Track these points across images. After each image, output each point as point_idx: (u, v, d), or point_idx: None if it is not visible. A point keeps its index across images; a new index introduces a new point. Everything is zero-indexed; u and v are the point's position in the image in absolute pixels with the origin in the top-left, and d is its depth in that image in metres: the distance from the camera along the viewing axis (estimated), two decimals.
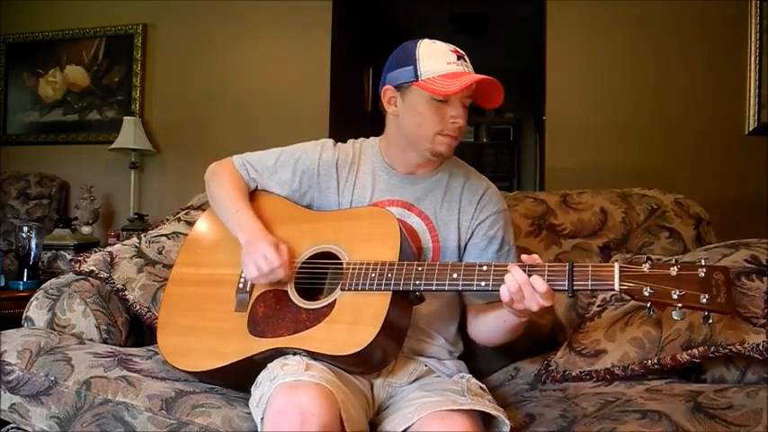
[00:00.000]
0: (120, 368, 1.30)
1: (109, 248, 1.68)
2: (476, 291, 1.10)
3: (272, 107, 3.31)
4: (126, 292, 1.57)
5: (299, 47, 3.30)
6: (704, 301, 0.93)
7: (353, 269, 1.16)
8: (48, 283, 1.58)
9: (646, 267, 0.98)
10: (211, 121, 3.39)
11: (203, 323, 1.29)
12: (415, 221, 1.29)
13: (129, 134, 3.28)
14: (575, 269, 1.01)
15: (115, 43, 3.55)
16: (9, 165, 3.60)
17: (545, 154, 3.00)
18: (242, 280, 1.28)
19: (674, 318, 0.95)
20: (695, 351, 1.18)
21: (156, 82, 3.52)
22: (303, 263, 1.25)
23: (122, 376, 1.26)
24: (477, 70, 1.21)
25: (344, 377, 1.15)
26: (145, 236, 1.74)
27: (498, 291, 1.05)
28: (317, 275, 1.25)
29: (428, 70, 1.18)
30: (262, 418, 1.03)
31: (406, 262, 1.13)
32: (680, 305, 0.95)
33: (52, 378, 1.27)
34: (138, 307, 1.56)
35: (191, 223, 1.70)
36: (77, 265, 1.59)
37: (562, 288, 1.02)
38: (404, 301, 1.15)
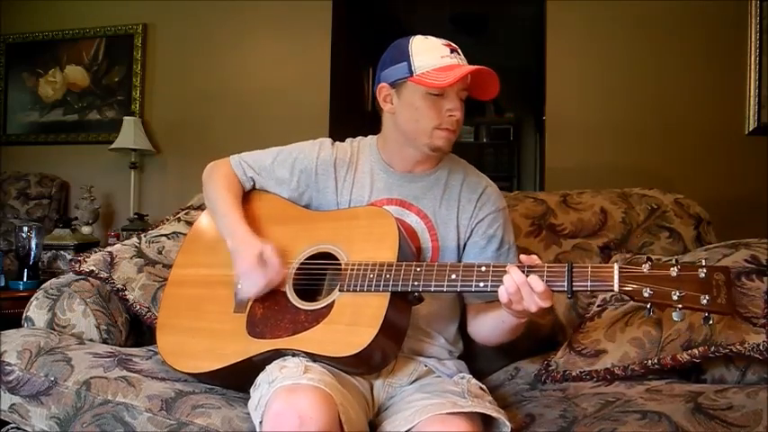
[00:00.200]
0: (120, 368, 1.30)
1: (109, 248, 1.68)
2: (474, 292, 1.10)
3: (272, 107, 3.31)
4: (126, 292, 1.57)
5: (299, 47, 3.31)
6: (704, 302, 0.92)
7: (352, 270, 1.16)
8: (48, 283, 1.58)
9: (645, 268, 0.97)
10: (211, 121, 3.39)
11: (202, 324, 1.29)
12: (413, 220, 1.29)
13: (129, 134, 3.28)
14: (574, 270, 1.01)
15: (115, 43, 3.55)
16: (9, 165, 3.60)
17: (545, 154, 3.00)
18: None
19: (675, 319, 0.95)
20: (695, 351, 1.18)
21: (156, 82, 3.52)
22: (301, 263, 1.25)
23: (122, 376, 1.26)
24: None
25: (344, 378, 1.14)
26: (145, 236, 1.74)
27: (497, 292, 1.04)
28: (315, 276, 1.24)
29: (422, 65, 1.18)
30: (260, 422, 1.03)
31: (404, 263, 1.13)
32: (680, 306, 0.94)
33: (52, 378, 1.27)
34: (138, 307, 1.56)
35: (191, 223, 1.70)
36: (77, 265, 1.59)
37: (561, 289, 1.01)
38: (403, 301, 1.14)
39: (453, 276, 1.09)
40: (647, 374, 1.24)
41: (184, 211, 1.86)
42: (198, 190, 1.81)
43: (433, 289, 1.10)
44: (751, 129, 2.60)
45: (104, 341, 1.51)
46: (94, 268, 1.58)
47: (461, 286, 1.09)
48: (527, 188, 5.63)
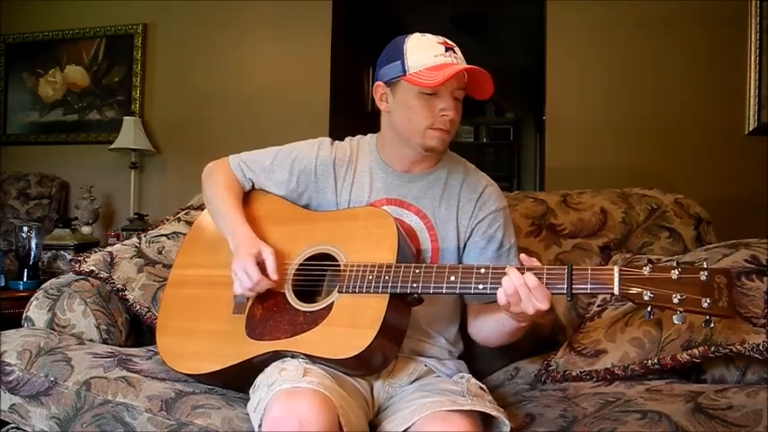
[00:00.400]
0: (119, 368, 1.30)
1: (109, 248, 1.67)
2: (473, 294, 1.09)
3: (272, 107, 3.31)
4: (126, 292, 1.57)
5: (299, 47, 3.31)
6: (705, 305, 0.91)
7: (351, 271, 1.15)
8: (48, 283, 1.58)
9: (646, 270, 0.96)
10: (211, 121, 3.39)
11: (201, 325, 1.28)
12: (413, 220, 1.28)
13: (129, 134, 3.28)
14: (573, 272, 1.00)
15: (115, 43, 3.55)
16: (9, 165, 3.60)
17: (545, 154, 3.00)
18: None
19: (675, 321, 0.94)
20: (695, 351, 1.18)
21: (156, 82, 3.52)
22: (300, 264, 1.24)
23: (122, 377, 1.26)
24: None
25: (343, 380, 1.14)
26: (145, 236, 1.74)
27: (496, 294, 1.04)
28: (314, 277, 1.24)
29: (415, 64, 1.17)
30: (260, 425, 1.02)
31: (403, 264, 1.12)
32: (681, 309, 0.93)
33: (52, 378, 1.27)
34: (138, 307, 1.56)
35: (190, 223, 1.70)
36: (77, 265, 1.59)
37: (561, 292, 1.00)
38: (402, 302, 1.14)
39: (452, 278, 1.08)
40: (647, 374, 1.24)
41: (184, 211, 1.86)
42: (198, 190, 1.81)
43: (431, 291, 1.10)
44: (751, 129, 2.60)
45: (104, 341, 1.50)
46: (94, 268, 1.58)
47: (460, 288, 1.08)
48: (527, 188, 5.63)
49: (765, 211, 2.45)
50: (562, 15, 2.89)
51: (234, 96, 3.37)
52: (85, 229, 3.21)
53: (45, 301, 1.52)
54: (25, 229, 2.47)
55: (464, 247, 1.30)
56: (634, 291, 0.96)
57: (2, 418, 1.31)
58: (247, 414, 1.14)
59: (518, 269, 1.03)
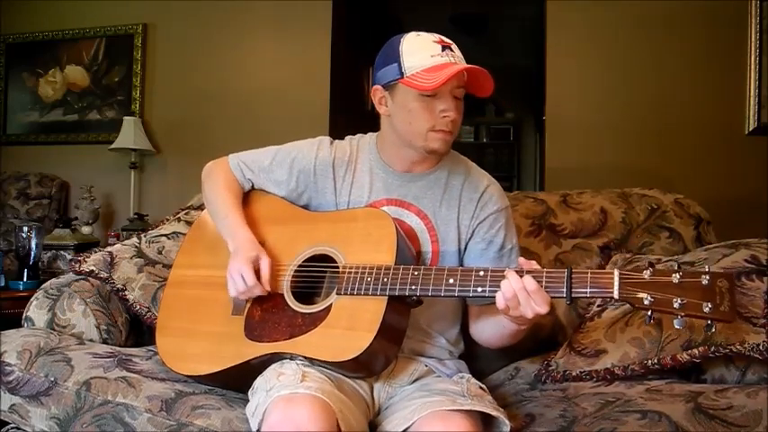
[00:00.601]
0: (119, 369, 1.30)
1: (109, 248, 1.68)
2: (472, 297, 1.08)
3: (272, 107, 3.31)
4: (126, 292, 1.57)
5: (299, 47, 3.31)
6: (707, 310, 0.90)
7: (349, 273, 1.14)
8: (48, 283, 1.58)
9: (647, 274, 0.95)
10: (211, 121, 3.39)
11: (201, 326, 1.28)
12: (413, 221, 1.27)
13: (129, 134, 3.28)
14: (573, 275, 0.99)
15: (115, 43, 3.55)
16: (9, 165, 3.60)
17: (545, 154, 3.00)
18: None
19: (676, 326, 0.93)
20: (695, 351, 1.18)
21: (156, 82, 3.52)
22: (299, 265, 1.24)
23: (122, 377, 1.26)
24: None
25: (343, 382, 1.14)
26: (145, 236, 1.74)
27: (495, 296, 1.03)
28: (313, 278, 1.23)
29: (412, 65, 1.15)
30: (258, 430, 1.02)
31: (402, 266, 1.11)
32: (682, 314, 0.92)
33: (52, 379, 1.27)
34: (138, 307, 1.56)
35: (190, 223, 1.70)
36: (77, 265, 1.59)
37: (560, 295, 0.99)
38: (401, 304, 1.13)
39: (451, 281, 1.07)
40: (647, 374, 1.24)
41: (184, 211, 1.86)
42: (198, 190, 1.81)
43: (430, 293, 1.09)
44: (751, 129, 2.60)
45: (104, 341, 1.51)
46: (94, 268, 1.58)
47: (459, 291, 1.07)
48: (527, 188, 5.63)
49: (765, 211, 2.45)
50: (562, 15, 2.89)
51: (234, 96, 3.37)
52: (85, 229, 3.21)
53: (45, 301, 1.52)
54: (25, 229, 2.47)
55: (465, 248, 1.28)
56: (634, 295, 0.94)
57: (2, 418, 1.31)
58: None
59: (517, 272, 1.02)
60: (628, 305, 1.32)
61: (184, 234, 1.64)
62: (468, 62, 1.18)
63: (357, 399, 1.15)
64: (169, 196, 3.37)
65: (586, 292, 0.98)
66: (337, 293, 1.15)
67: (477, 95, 1.21)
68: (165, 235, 1.74)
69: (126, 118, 3.33)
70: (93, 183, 3.36)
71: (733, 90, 2.64)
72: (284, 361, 1.15)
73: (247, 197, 1.40)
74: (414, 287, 1.09)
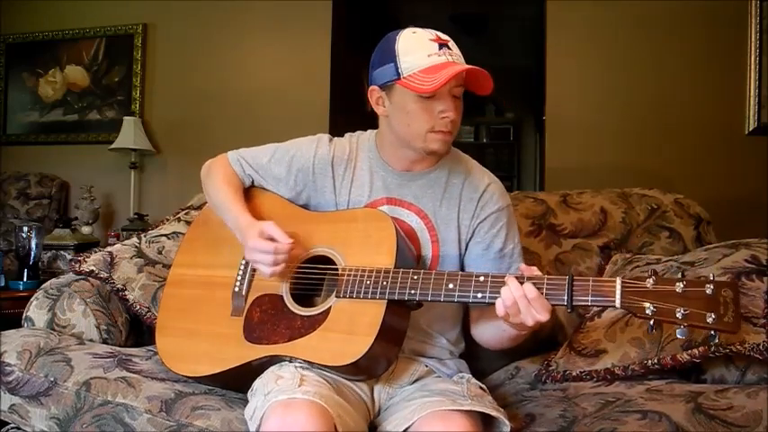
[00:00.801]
0: (119, 369, 1.30)
1: (109, 248, 1.67)
2: (472, 302, 1.07)
3: (272, 107, 3.31)
4: (126, 292, 1.57)
5: (299, 47, 3.31)
6: (710, 320, 0.88)
7: (348, 275, 1.13)
8: (48, 283, 1.58)
9: (649, 283, 0.93)
10: (211, 121, 3.39)
11: (200, 327, 1.28)
12: (413, 220, 1.26)
13: (129, 134, 3.28)
14: (575, 283, 0.97)
15: (115, 43, 3.55)
16: (9, 165, 3.60)
17: (545, 154, 3.00)
18: (237, 283, 1.27)
19: (678, 336, 0.91)
20: (695, 351, 1.18)
21: (156, 82, 3.52)
22: (299, 267, 1.23)
23: (122, 377, 1.26)
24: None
25: (342, 385, 1.13)
26: (145, 236, 1.74)
27: (494, 303, 1.01)
28: (312, 280, 1.22)
29: (409, 66, 1.12)
30: None
31: (401, 270, 1.10)
32: (684, 324, 0.90)
33: (52, 379, 1.27)
34: (138, 307, 1.56)
35: (190, 223, 1.70)
36: (77, 265, 1.59)
37: (561, 303, 0.98)
38: (400, 307, 1.12)
39: (450, 285, 1.06)
40: (647, 374, 1.24)
41: (184, 211, 1.86)
42: (198, 190, 1.81)
43: (429, 298, 1.08)
44: (751, 129, 2.60)
45: (104, 341, 1.50)
46: (94, 268, 1.58)
47: (459, 297, 1.06)
48: (527, 188, 5.63)
49: (765, 211, 2.45)
50: (562, 15, 2.89)
51: (234, 96, 3.37)
52: (85, 229, 3.21)
53: (45, 301, 1.52)
54: (25, 229, 2.47)
55: (466, 248, 1.27)
56: (636, 304, 0.93)
57: (2, 418, 1.31)
58: None
59: (517, 279, 1.00)
60: None
61: (184, 234, 1.64)
62: (467, 62, 1.16)
63: (356, 401, 1.14)
64: (169, 196, 3.37)
65: (588, 301, 0.97)
66: (336, 296, 1.14)
67: (478, 93, 1.19)
68: (165, 235, 1.74)
69: (126, 118, 3.33)
70: (93, 183, 3.36)
71: (733, 90, 2.64)
72: (283, 363, 1.15)
73: (247, 196, 1.38)
74: (413, 291, 1.08)
